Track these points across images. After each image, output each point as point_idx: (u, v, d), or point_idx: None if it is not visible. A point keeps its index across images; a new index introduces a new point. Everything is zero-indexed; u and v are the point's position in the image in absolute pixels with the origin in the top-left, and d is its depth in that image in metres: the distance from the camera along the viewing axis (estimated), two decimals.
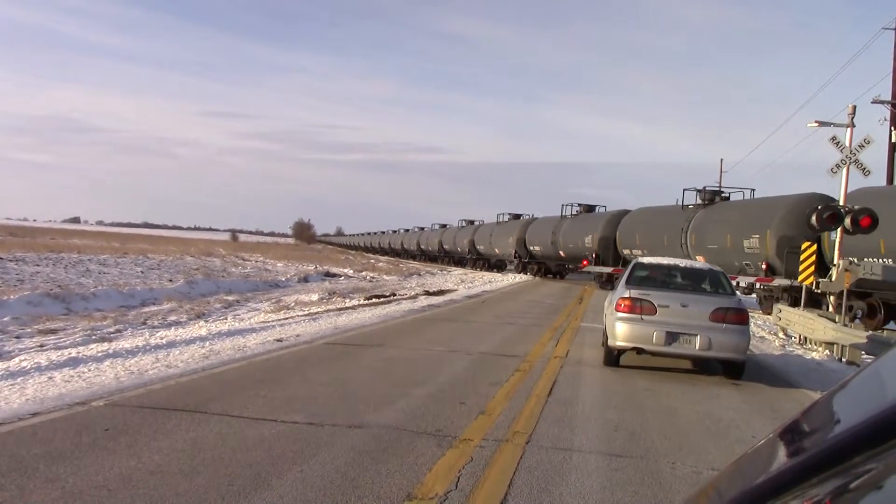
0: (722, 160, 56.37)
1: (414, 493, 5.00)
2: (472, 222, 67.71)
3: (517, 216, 56.36)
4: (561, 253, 44.08)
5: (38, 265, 31.42)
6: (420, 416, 7.27)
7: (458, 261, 67.58)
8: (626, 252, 35.79)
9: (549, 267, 48.71)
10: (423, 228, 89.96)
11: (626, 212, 38.97)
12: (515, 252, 51.15)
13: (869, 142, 18.21)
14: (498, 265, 57.66)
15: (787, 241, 23.83)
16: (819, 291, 18.67)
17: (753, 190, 30.97)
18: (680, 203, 32.53)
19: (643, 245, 34.09)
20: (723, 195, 31.90)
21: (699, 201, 31.73)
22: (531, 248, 49.42)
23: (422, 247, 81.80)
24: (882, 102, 31.63)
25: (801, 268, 18.61)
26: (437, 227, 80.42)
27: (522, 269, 50.87)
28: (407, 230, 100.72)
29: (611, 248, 37.22)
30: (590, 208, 45.13)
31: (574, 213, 45.27)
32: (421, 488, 5.10)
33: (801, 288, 20.35)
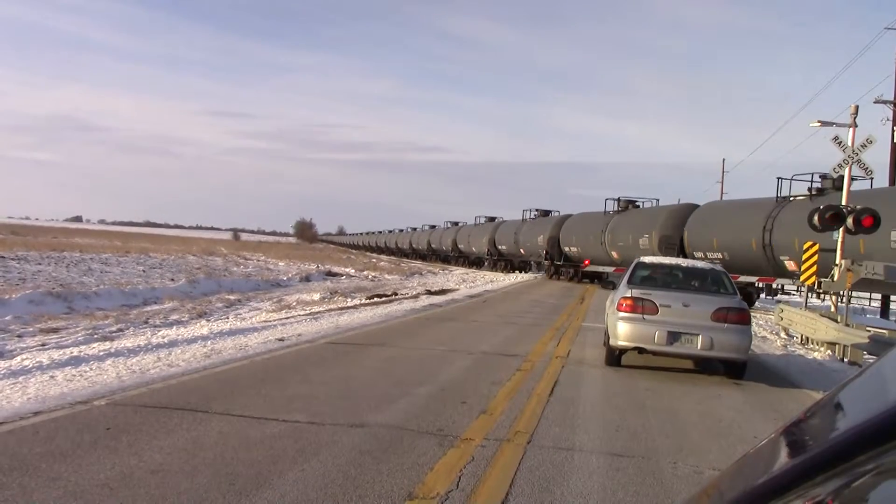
0: (724, 160, 56.01)
1: (415, 492, 5.00)
2: (456, 223, 75.02)
3: (491, 219, 64.01)
4: (521, 251, 52.07)
5: (40, 264, 31.45)
6: (421, 415, 7.27)
7: (444, 259, 73.92)
8: (566, 249, 44.11)
9: (514, 263, 55.42)
10: (415, 229, 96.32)
11: (568, 216, 47.06)
12: (488, 250, 58.33)
13: (871, 142, 18.20)
14: (476, 262, 63.74)
15: (666, 239, 31.41)
16: (822, 291, 18.66)
17: (658, 200, 38.37)
18: (599, 211, 40.94)
19: (577, 244, 42.17)
20: (635, 204, 39.39)
21: (617, 208, 39.66)
22: (499, 247, 56.63)
23: (414, 246, 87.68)
24: (884, 102, 31.58)
25: (802, 267, 18.60)
26: (426, 227, 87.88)
27: (493, 265, 57.60)
28: (402, 230, 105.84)
29: (556, 246, 45.12)
30: (545, 213, 51.78)
31: (532, 217, 52.67)
32: (422, 488, 5.10)
33: None
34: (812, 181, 25.17)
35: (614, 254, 36.50)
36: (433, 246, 78.14)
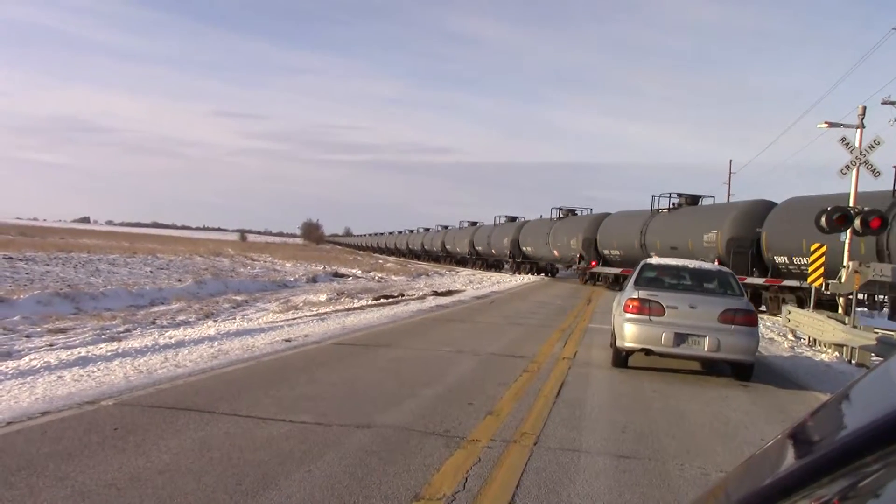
0: (731, 161, 56.48)
1: (421, 493, 5.01)
2: (445, 227, 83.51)
3: (473, 223, 73.13)
4: (493, 251, 61.00)
5: (48, 265, 31.56)
6: (428, 416, 7.27)
7: (434, 258, 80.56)
8: (524, 249, 53.43)
9: (488, 262, 63.70)
10: (412, 231, 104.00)
11: (526, 222, 56.71)
12: (469, 251, 66.98)
13: (879, 143, 18.13)
14: (461, 261, 71.21)
15: (587, 241, 41.31)
16: (828, 293, 18.59)
17: (591, 209, 47.63)
18: (548, 217, 50.94)
19: (531, 244, 52.04)
20: (574, 212, 48.62)
21: (560, 216, 49.21)
22: (477, 248, 65.18)
23: (410, 247, 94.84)
24: (892, 103, 31.44)
25: (810, 269, 18.53)
26: (421, 230, 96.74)
27: (473, 263, 66.03)
28: (401, 232, 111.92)
29: (517, 246, 54.52)
30: (511, 219, 61.08)
31: (502, 222, 62.22)
32: (428, 489, 5.10)
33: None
34: (671, 198, 35.13)
35: (555, 252, 46.74)
36: (426, 247, 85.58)
